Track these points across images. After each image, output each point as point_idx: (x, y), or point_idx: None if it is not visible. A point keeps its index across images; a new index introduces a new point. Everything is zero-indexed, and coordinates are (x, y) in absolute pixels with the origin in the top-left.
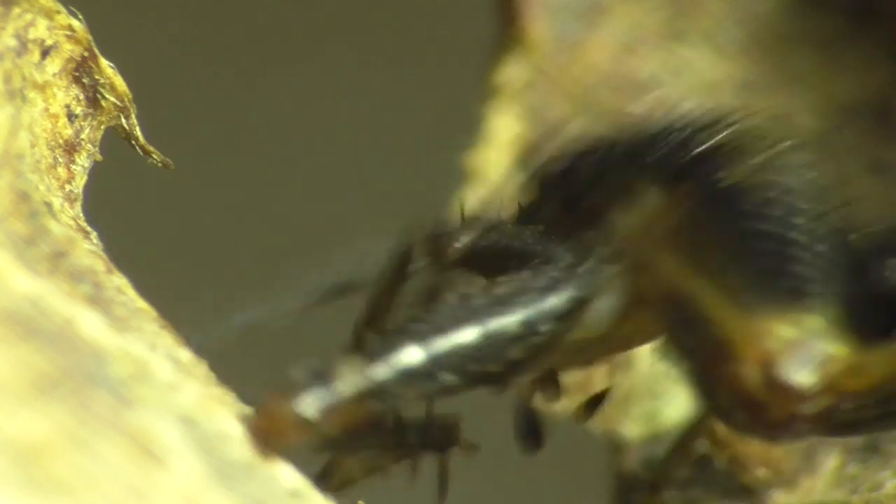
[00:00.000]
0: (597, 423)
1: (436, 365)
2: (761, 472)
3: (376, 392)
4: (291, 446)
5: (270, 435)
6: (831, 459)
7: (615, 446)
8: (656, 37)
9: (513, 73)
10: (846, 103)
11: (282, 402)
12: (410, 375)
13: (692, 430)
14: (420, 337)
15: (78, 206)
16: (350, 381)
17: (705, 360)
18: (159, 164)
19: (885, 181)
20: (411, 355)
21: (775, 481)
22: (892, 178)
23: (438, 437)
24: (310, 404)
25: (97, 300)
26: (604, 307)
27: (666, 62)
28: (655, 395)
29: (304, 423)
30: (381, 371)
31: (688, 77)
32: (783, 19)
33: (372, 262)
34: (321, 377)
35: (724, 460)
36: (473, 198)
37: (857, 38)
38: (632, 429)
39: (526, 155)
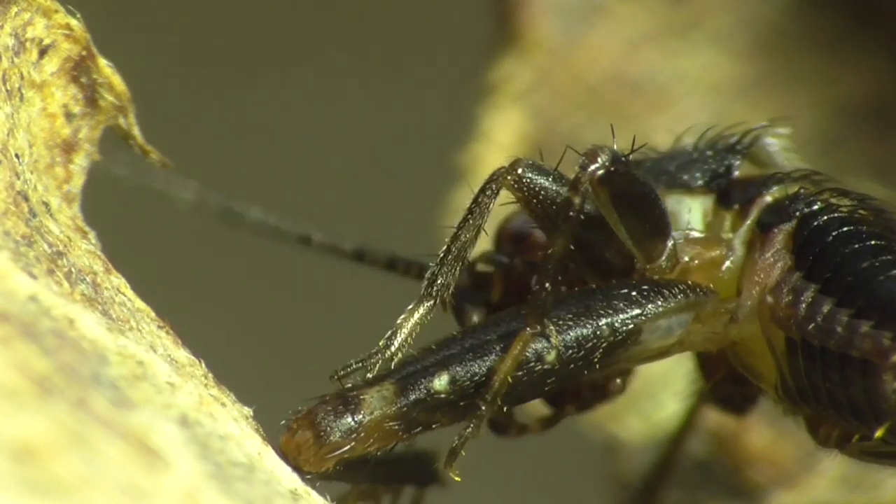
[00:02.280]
0: (595, 427)
1: (461, 389)
2: (762, 472)
3: (403, 419)
4: (317, 470)
5: (296, 458)
6: (832, 459)
7: (612, 448)
8: (658, 36)
9: (509, 71)
10: (848, 103)
11: (308, 426)
12: (439, 403)
13: (684, 430)
14: (448, 364)
15: (76, 205)
16: (377, 407)
17: None
18: (157, 164)
19: (885, 180)
20: (440, 382)
21: (776, 481)
22: (893, 177)
23: (419, 473)
24: (335, 430)
25: (96, 300)
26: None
27: (668, 62)
28: (652, 397)
29: (331, 449)
30: (411, 399)
31: (690, 76)
32: (786, 20)
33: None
34: (348, 403)
35: (725, 460)
36: (467, 195)
37: (858, 39)
38: (629, 431)
39: (526, 152)
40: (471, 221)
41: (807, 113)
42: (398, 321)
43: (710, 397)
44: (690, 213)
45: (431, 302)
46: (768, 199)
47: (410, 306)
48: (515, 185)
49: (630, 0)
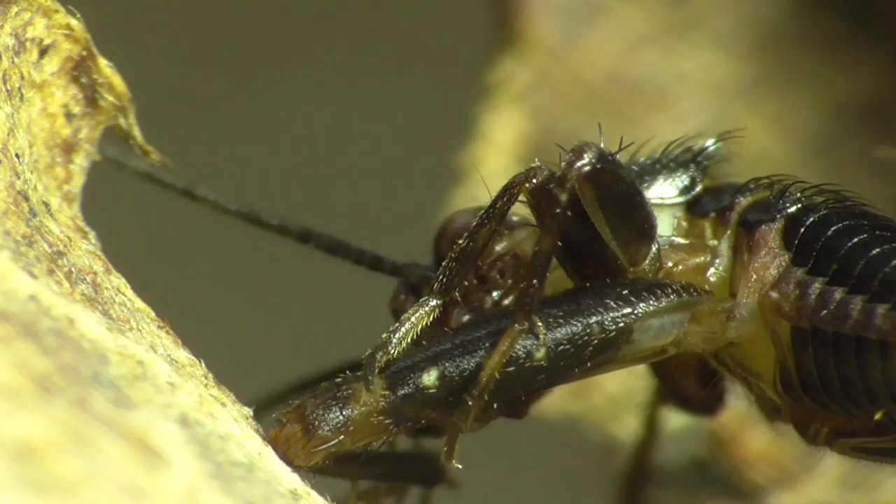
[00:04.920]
0: (595, 427)
1: (450, 387)
2: (761, 473)
3: (392, 413)
4: (306, 463)
5: (285, 451)
6: (831, 459)
7: (612, 448)
8: (658, 37)
9: (509, 72)
10: (848, 103)
11: (297, 419)
12: (428, 398)
13: (648, 437)
14: (437, 360)
15: (76, 205)
16: (366, 402)
17: None
18: (158, 164)
19: (883, 179)
20: (429, 377)
21: (775, 481)
22: (892, 176)
23: (426, 472)
24: (324, 424)
25: (96, 300)
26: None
27: (668, 62)
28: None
29: (319, 442)
30: (400, 394)
31: (690, 77)
32: (786, 20)
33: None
34: (338, 397)
35: (724, 461)
36: (466, 195)
37: (858, 39)
38: (629, 431)
39: (525, 152)
40: (486, 225)
41: (807, 113)
42: (403, 316)
43: (676, 402)
44: (664, 223)
45: (439, 300)
46: (745, 202)
47: (417, 303)
48: (532, 193)
49: (629, 1)
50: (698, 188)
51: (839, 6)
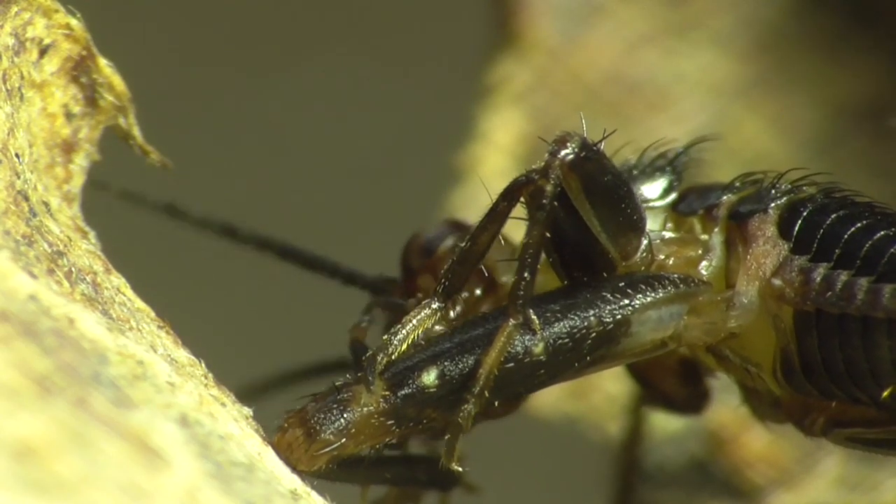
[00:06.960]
0: (594, 427)
1: (451, 387)
2: (761, 473)
3: (393, 414)
4: (310, 468)
5: (288, 457)
6: (831, 460)
7: (611, 449)
8: (657, 37)
9: (508, 72)
10: (848, 103)
11: (298, 424)
12: (428, 398)
13: (632, 441)
14: (436, 359)
15: (76, 205)
16: (367, 404)
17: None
18: (158, 164)
19: (883, 179)
20: (428, 377)
21: (775, 482)
22: (891, 176)
23: (443, 475)
24: (326, 428)
25: (96, 300)
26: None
27: (667, 62)
28: None
29: (321, 446)
30: (401, 394)
31: (689, 77)
32: (785, 20)
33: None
34: (338, 400)
35: (725, 461)
36: (465, 195)
37: (858, 39)
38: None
39: (524, 152)
40: (488, 228)
41: (807, 113)
42: (405, 318)
43: (661, 404)
44: (652, 221)
45: (441, 303)
46: (733, 198)
47: (419, 306)
48: (531, 195)
49: (629, 1)
50: (676, 191)
51: (839, 6)
